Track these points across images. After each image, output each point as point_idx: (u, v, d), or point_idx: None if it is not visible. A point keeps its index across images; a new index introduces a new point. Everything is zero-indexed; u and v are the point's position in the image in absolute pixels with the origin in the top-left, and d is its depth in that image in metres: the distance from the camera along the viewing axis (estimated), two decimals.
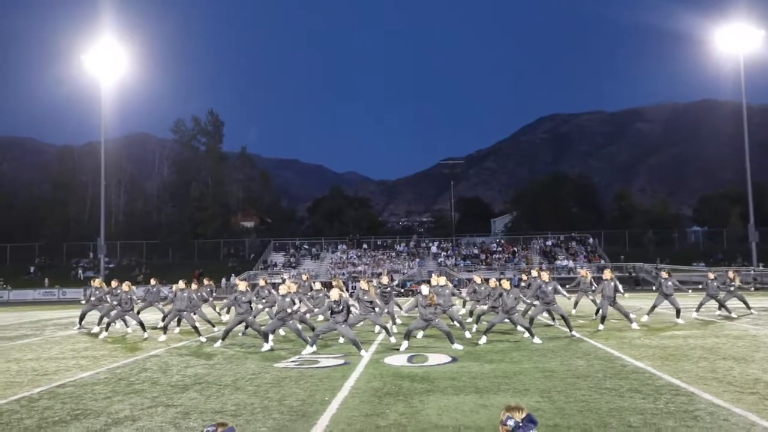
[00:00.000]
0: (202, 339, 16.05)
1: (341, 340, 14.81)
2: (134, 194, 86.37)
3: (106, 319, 18.41)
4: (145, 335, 17.19)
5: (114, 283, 18.94)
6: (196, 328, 16.44)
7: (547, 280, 16.25)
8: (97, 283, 20.19)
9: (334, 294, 13.48)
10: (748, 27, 53.73)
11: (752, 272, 48.28)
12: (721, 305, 19.88)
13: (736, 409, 7.76)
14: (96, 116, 56.10)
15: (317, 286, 19.39)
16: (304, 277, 23.27)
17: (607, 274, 17.78)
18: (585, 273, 21.60)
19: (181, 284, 17.30)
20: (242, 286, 15.43)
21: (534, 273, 19.75)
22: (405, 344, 13.79)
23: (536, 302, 16.72)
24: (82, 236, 69.38)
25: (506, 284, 15.05)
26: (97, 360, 13.44)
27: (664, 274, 19.24)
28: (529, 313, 17.59)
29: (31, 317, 28.63)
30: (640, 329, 16.71)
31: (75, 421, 7.92)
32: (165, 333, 16.98)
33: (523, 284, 21.56)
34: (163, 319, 18.47)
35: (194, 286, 19.09)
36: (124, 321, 19.03)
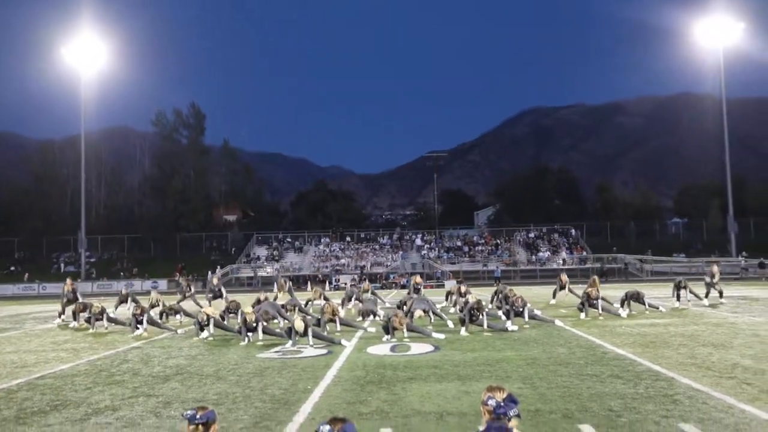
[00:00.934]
0: (178, 332, 16.01)
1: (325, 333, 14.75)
2: (115, 187, 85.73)
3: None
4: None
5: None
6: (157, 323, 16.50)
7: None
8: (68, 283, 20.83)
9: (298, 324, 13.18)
10: (727, 20, 53.88)
11: (742, 262, 48.98)
12: (691, 291, 20.25)
13: (714, 393, 7.85)
14: (77, 109, 55.45)
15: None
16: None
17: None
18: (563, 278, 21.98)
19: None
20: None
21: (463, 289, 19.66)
22: (387, 336, 13.82)
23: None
24: (63, 230, 68.59)
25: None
26: (78, 352, 13.34)
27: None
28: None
29: (10, 311, 28.32)
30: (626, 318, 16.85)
31: (54, 411, 7.86)
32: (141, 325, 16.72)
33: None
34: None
35: (183, 281, 19.31)
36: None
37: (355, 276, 52.37)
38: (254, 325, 13.96)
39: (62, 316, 19.92)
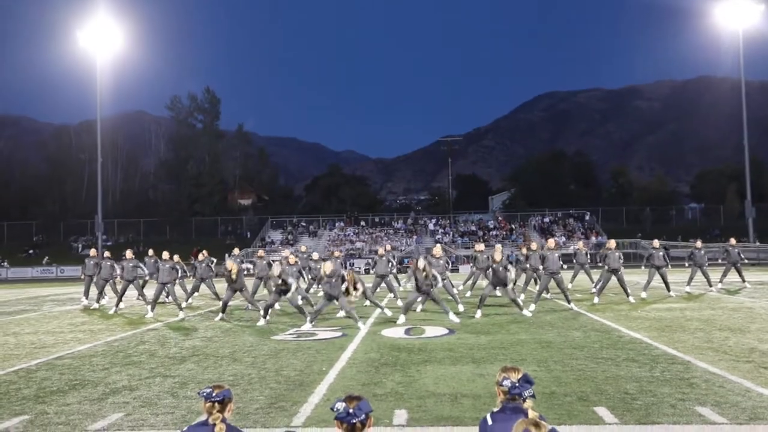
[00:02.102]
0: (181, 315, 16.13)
1: (340, 314, 14.82)
2: (131, 172, 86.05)
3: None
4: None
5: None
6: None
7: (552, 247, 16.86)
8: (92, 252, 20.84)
9: (327, 267, 13.50)
10: (746, 1, 53.14)
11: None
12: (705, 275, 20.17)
13: (731, 377, 7.82)
14: (92, 94, 55.40)
15: (315, 256, 19.65)
16: (303, 248, 23.52)
17: (655, 243, 18.71)
18: (581, 246, 21.77)
19: (165, 255, 17.59)
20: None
21: (534, 246, 19.55)
22: (402, 318, 13.86)
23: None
24: (80, 214, 69.10)
25: (497, 255, 15.04)
26: (95, 334, 13.48)
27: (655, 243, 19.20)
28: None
29: (29, 294, 28.67)
30: (635, 301, 16.79)
31: (73, 390, 7.96)
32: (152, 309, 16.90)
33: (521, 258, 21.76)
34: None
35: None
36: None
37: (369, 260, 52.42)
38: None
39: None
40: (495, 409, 3.84)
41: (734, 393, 7.03)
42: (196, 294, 20.18)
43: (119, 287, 18.37)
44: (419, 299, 14.73)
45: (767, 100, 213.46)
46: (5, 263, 58.37)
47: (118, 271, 18.69)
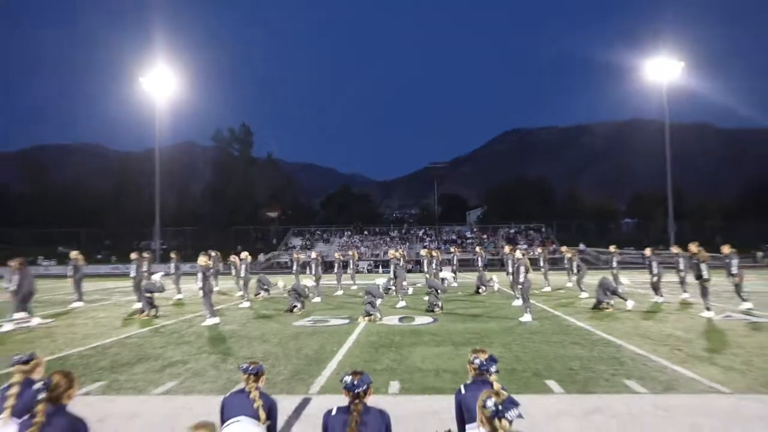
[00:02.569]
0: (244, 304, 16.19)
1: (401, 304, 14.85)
2: (182, 191, 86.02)
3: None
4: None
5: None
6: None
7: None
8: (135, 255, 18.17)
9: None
10: (670, 60, 53.98)
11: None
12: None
13: (652, 357, 7.93)
14: (152, 127, 55.71)
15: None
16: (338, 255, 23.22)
17: (692, 248, 14.59)
18: (564, 250, 21.48)
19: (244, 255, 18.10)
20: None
21: (506, 250, 18.36)
22: (402, 303, 14.12)
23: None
24: (142, 224, 69.04)
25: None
26: (154, 319, 13.53)
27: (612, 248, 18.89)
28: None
29: (101, 286, 28.65)
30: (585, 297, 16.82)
31: (138, 363, 8.06)
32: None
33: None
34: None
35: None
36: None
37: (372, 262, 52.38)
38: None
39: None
40: (468, 382, 3.94)
41: (654, 369, 7.14)
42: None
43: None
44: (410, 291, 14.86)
45: (685, 140, 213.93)
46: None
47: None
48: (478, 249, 23.43)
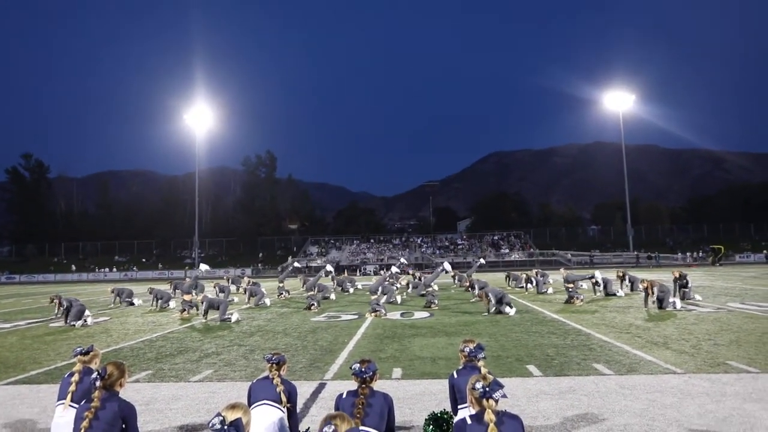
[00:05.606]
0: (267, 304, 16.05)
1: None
2: (217, 208, 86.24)
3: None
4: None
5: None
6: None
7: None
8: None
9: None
10: (625, 92, 54.91)
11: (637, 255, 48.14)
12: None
13: (617, 343, 7.83)
14: (192, 154, 56.21)
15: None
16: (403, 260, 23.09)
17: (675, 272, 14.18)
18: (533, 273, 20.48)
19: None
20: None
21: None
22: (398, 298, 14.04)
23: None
24: (184, 236, 69.25)
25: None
26: (194, 317, 13.48)
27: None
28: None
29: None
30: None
31: (180, 354, 8.00)
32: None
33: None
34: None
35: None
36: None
37: (377, 266, 52.20)
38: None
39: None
40: (459, 368, 3.89)
41: (619, 354, 7.05)
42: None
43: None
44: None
45: (639, 158, 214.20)
46: (134, 267, 58.53)
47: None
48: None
